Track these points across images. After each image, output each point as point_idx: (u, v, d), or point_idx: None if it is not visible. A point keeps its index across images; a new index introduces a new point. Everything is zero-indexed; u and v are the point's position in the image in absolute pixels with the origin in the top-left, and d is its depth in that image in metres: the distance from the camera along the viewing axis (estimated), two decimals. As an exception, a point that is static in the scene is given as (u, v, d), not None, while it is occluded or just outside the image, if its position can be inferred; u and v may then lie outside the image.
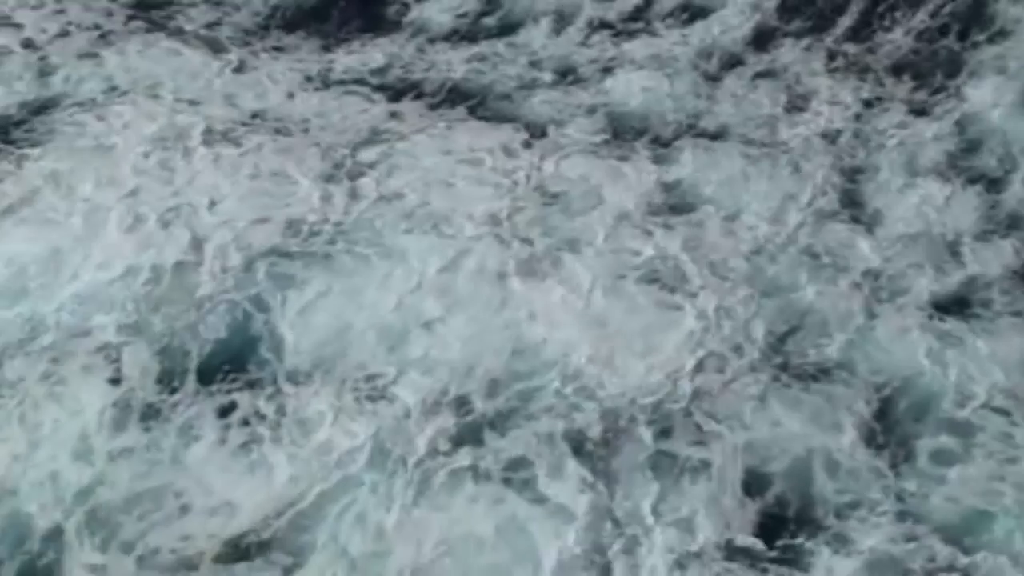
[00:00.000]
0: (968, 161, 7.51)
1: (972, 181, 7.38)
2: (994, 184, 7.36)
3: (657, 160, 7.50)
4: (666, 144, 7.61)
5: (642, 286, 6.78)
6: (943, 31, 8.41)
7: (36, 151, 7.57)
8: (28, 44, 8.54)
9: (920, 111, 7.82)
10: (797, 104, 7.87)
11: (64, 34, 8.65)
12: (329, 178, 7.45)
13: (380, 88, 8.03)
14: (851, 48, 8.27)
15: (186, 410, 6.05)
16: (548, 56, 8.21)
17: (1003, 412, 6.21)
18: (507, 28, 8.44)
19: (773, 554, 5.53)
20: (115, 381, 6.14)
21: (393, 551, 5.49)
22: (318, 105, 7.90)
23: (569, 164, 7.48)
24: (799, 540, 5.59)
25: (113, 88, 8.19)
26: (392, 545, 5.51)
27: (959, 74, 8.10)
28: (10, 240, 6.93)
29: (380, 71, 8.14)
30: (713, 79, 8.03)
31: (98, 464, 5.78)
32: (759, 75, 8.03)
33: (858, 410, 6.21)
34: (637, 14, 8.52)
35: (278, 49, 8.38)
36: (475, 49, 8.27)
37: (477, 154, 7.54)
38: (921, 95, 7.95)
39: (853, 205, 7.30)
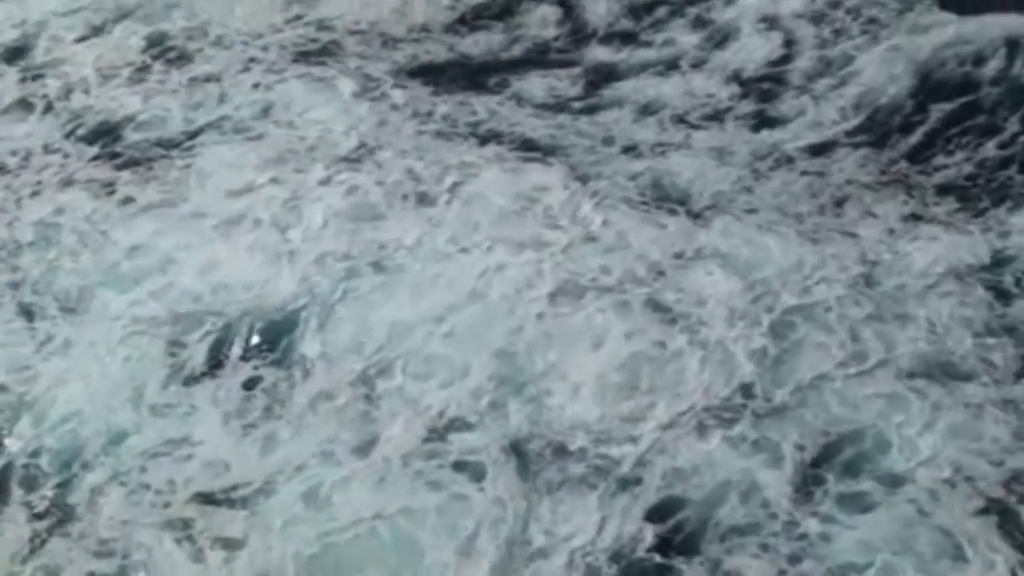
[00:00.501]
0: (988, 274, 7.80)
1: (987, 289, 7.68)
2: (1005, 297, 7.64)
3: (688, 222, 8.32)
4: (699, 213, 8.41)
5: (645, 319, 7.61)
6: (1007, 162, 8.66)
7: (187, 161, 9.29)
8: (215, 78, 10.44)
9: (954, 227, 8.16)
10: (833, 205, 8.42)
11: (245, 70, 10.50)
12: (412, 201, 8.78)
13: (470, 134, 9.30)
14: (906, 167, 8.66)
15: (222, 380, 7.49)
16: (620, 134, 9.15)
17: (942, 479, 6.56)
18: (592, 109, 9.46)
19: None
20: (176, 347, 7.72)
21: (336, 516, 6.63)
22: (416, 140, 9.28)
23: (610, 213, 8.40)
24: (679, 562, 6.30)
25: (268, 113, 9.88)
26: (337, 511, 6.65)
27: (1006, 201, 8.36)
28: (141, 233, 8.58)
29: (473, 123, 9.39)
30: (761, 174, 8.75)
31: (141, 410, 7.23)
32: (806, 175, 8.66)
33: (799, 453, 6.74)
34: (716, 115, 9.33)
35: (400, 91, 9.86)
36: (558, 119, 9.34)
37: (537, 194, 8.60)
38: (961, 216, 8.25)
39: (864, 286, 7.81)
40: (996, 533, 6.33)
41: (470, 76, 10.02)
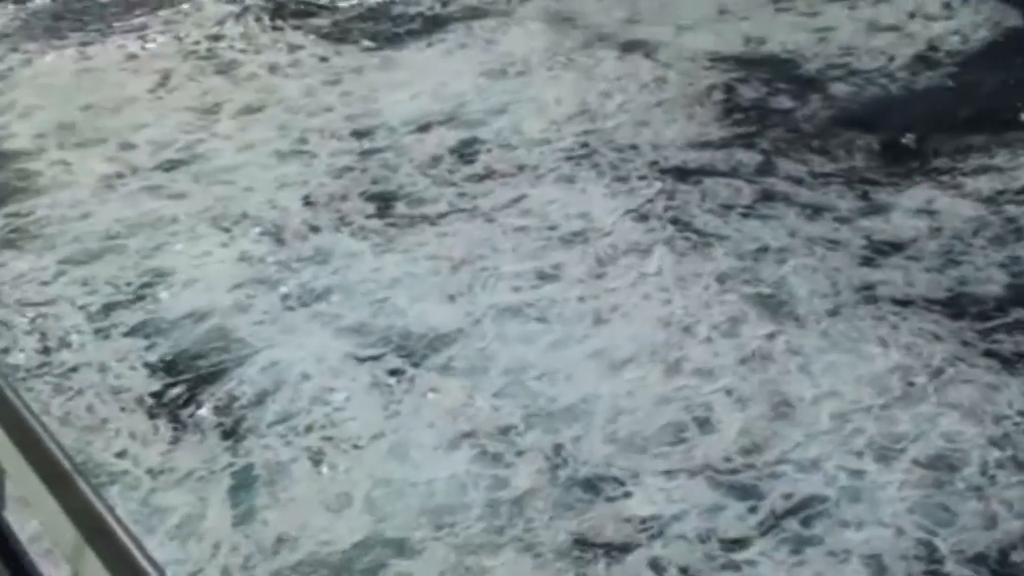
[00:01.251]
0: (1011, 404, 9.12)
1: (1006, 406, 9.04)
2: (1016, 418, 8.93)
3: (789, 321, 10.28)
4: (802, 316, 10.33)
5: (714, 388, 9.70)
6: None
7: (437, 230, 12.25)
8: (491, 175, 13.62)
9: (997, 364, 9.52)
10: (903, 334, 10.03)
11: (517, 170, 13.66)
12: (594, 272, 11.36)
13: (661, 217, 11.93)
14: (969, 323, 10.12)
15: (381, 367, 10.36)
16: (764, 239, 11.36)
17: (888, 536, 8.13)
18: (751, 215, 11.72)
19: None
20: (365, 337, 10.70)
21: (412, 466, 9.22)
22: (619, 222, 11.93)
23: (730, 301, 10.58)
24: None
25: (519, 203, 12.82)
26: (412, 463, 9.22)
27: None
28: (382, 266, 11.63)
29: (667, 207, 12.02)
30: (853, 301, 10.49)
31: (320, 369, 10.32)
32: (888, 314, 10.28)
33: (780, 502, 8.50)
34: (836, 248, 11.28)
35: (627, 187, 12.62)
36: (727, 217, 11.74)
37: (688, 278, 10.95)
38: (1001, 356, 9.58)
39: (901, 394, 9.42)
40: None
41: (680, 177, 12.61)
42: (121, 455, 9.38)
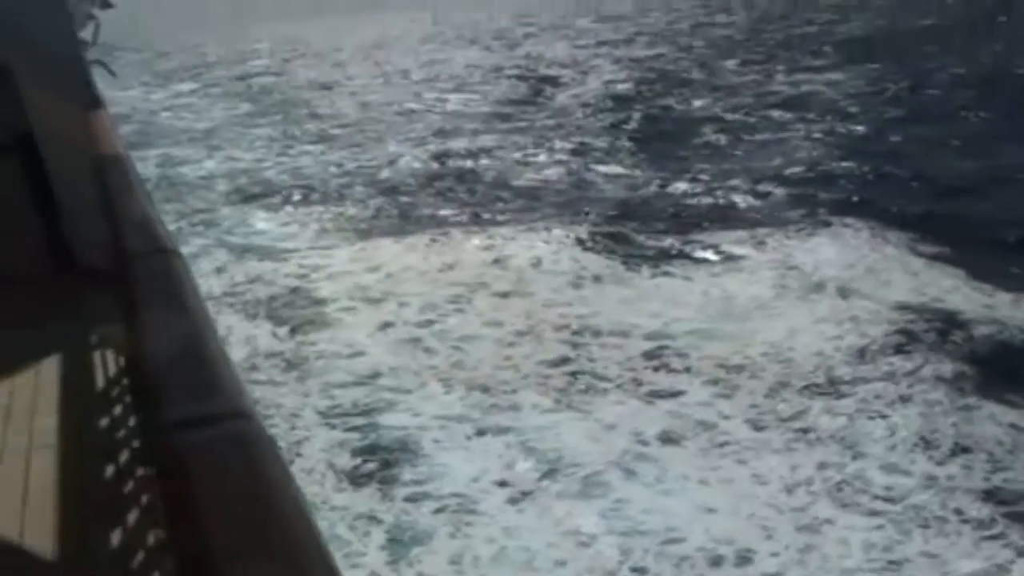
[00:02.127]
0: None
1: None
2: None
3: (841, 495, 13.39)
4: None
5: (754, 534, 12.99)
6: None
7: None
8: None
9: None
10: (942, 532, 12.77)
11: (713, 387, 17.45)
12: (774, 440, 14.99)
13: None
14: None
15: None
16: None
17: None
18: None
19: None
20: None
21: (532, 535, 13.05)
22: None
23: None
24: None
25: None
26: (532, 530, 13.07)
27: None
28: (592, 412, 15.93)
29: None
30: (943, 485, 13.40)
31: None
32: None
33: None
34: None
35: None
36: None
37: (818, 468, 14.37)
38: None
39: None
40: None
41: (833, 386, 16.03)
42: (323, 499, 13.69)
